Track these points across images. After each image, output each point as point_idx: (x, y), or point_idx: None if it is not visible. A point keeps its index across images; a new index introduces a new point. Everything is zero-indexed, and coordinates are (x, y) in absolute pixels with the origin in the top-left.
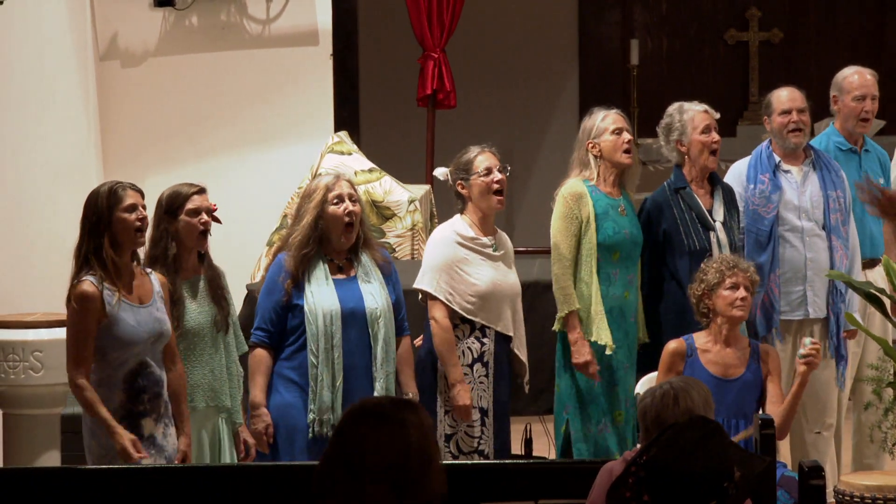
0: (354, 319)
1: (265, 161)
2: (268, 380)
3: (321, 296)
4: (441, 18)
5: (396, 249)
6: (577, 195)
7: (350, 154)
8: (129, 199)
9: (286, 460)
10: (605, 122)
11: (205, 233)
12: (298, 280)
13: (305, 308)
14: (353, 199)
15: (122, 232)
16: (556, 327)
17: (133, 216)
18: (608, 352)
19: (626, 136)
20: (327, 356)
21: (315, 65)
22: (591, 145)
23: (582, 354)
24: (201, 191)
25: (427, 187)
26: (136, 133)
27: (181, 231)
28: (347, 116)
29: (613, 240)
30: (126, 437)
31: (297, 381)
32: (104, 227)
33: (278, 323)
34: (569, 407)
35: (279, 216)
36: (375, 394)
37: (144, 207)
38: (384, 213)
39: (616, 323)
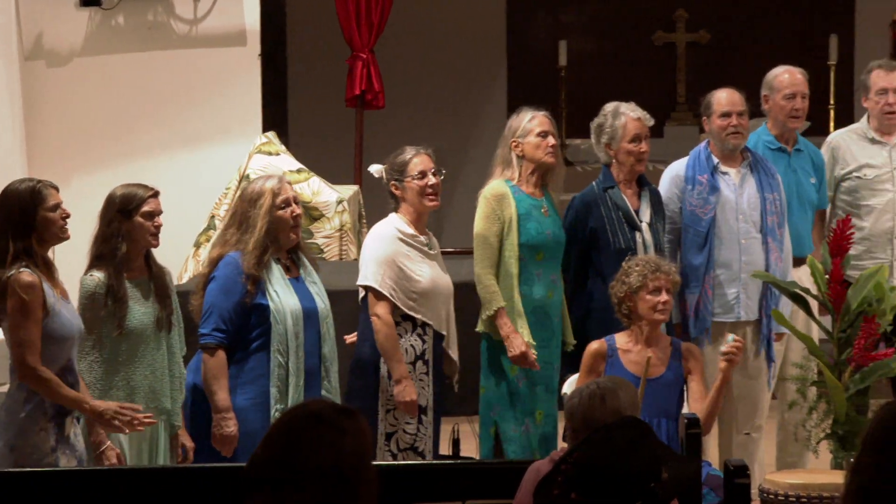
0: (309, 319)
1: (193, 161)
2: (227, 380)
3: (285, 295)
4: (370, 19)
5: (325, 250)
6: (499, 196)
7: (278, 154)
8: (53, 198)
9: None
10: (532, 124)
11: (156, 235)
12: (258, 280)
13: (272, 308)
14: (297, 200)
15: (48, 231)
16: (479, 328)
17: (58, 215)
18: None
19: (551, 139)
20: (295, 355)
21: (243, 65)
22: (514, 144)
23: (517, 346)
24: (156, 194)
25: (355, 188)
26: (62, 133)
27: (134, 231)
28: (276, 117)
29: (537, 240)
30: (109, 404)
31: (253, 384)
32: (30, 227)
33: (237, 323)
34: (497, 408)
35: (207, 217)
36: (324, 393)
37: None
38: (312, 213)
39: (540, 322)
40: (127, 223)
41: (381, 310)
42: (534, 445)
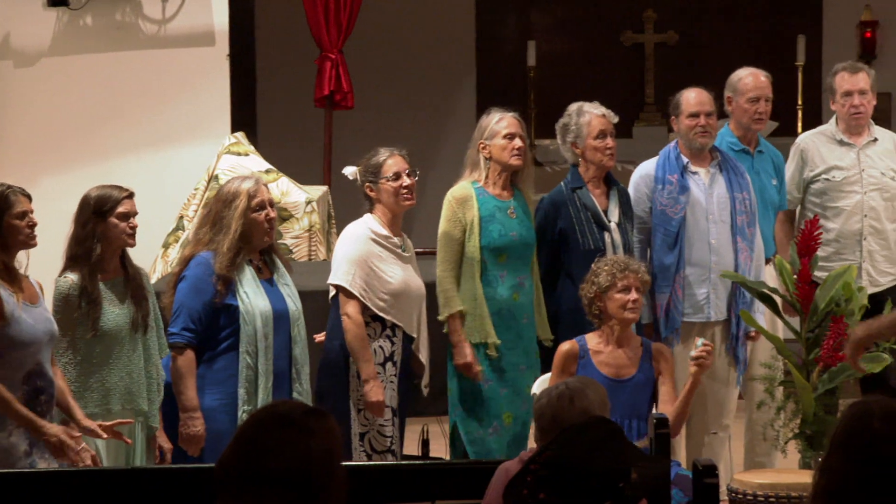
0: (280, 321)
1: (162, 162)
2: (195, 381)
3: (255, 297)
4: (338, 19)
5: (294, 251)
6: (461, 199)
7: (247, 155)
8: (21, 205)
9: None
10: (499, 126)
11: (132, 236)
12: (230, 281)
13: (241, 309)
14: (272, 203)
15: (13, 237)
16: (446, 329)
17: (24, 222)
18: (492, 352)
19: (518, 142)
20: (264, 357)
21: (212, 65)
22: (482, 146)
23: (463, 356)
24: (131, 195)
25: (325, 188)
26: (31, 134)
27: (109, 232)
28: (244, 117)
29: (499, 242)
30: (57, 428)
31: (221, 384)
32: None
33: (206, 323)
34: (458, 409)
35: (175, 217)
36: (295, 395)
37: (32, 212)
38: (281, 214)
39: (505, 324)
40: (102, 224)
41: (351, 309)
42: (502, 448)
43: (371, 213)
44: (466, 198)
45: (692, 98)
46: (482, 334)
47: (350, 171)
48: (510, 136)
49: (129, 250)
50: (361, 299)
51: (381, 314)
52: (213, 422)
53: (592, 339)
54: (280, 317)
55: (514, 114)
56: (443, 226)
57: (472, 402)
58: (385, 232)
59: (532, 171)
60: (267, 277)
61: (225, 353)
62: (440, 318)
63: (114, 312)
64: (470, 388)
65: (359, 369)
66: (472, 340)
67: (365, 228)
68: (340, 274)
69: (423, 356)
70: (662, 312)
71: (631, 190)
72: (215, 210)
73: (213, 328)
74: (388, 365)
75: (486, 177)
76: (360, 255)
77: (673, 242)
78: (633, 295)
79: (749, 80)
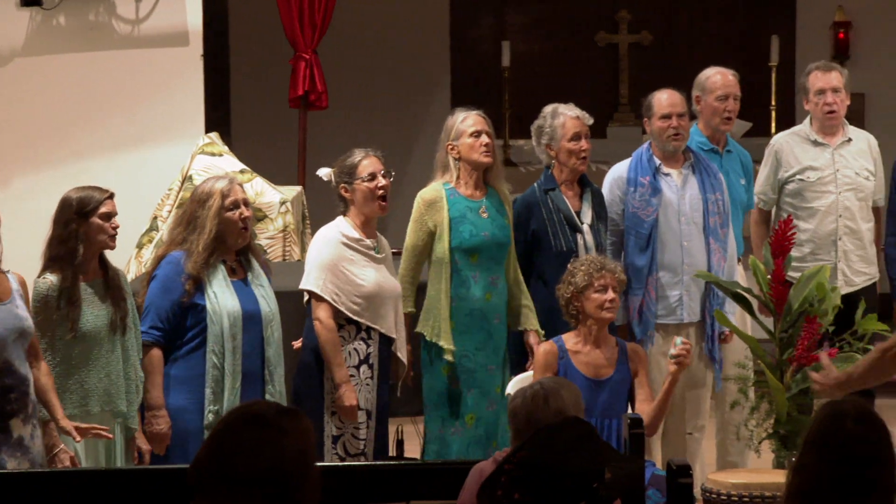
0: (251, 322)
1: (135, 162)
2: (163, 380)
3: (223, 296)
4: (313, 19)
5: (268, 251)
6: (429, 201)
7: (221, 155)
8: None
9: (178, 463)
10: (465, 125)
11: (113, 237)
12: (200, 280)
13: (208, 308)
14: (246, 203)
15: None
16: (417, 328)
17: None
18: (448, 357)
19: (485, 138)
20: (231, 357)
21: (186, 66)
22: (450, 147)
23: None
24: (112, 196)
25: (299, 189)
26: (3, 134)
27: (92, 233)
28: (218, 117)
29: (471, 243)
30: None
31: (190, 383)
32: None
33: (174, 322)
34: (427, 407)
35: (149, 218)
36: (267, 396)
37: None
38: (256, 214)
39: (477, 325)
40: (85, 225)
41: (322, 314)
42: (461, 450)
43: (345, 214)
44: (435, 200)
45: (664, 100)
46: (437, 335)
47: (324, 172)
48: (476, 134)
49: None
50: (333, 304)
51: (354, 317)
52: (181, 421)
53: (570, 340)
54: (250, 317)
55: (478, 111)
56: (410, 226)
57: (437, 401)
58: (356, 235)
59: (502, 167)
60: (241, 278)
61: (193, 353)
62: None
63: (93, 313)
64: (437, 388)
65: (331, 374)
66: (428, 338)
67: (336, 232)
68: (311, 279)
69: (403, 356)
70: (636, 314)
71: (604, 192)
72: (190, 210)
73: (182, 327)
74: (364, 368)
75: (458, 177)
76: (330, 259)
77: (645, 244)
78: (610, 294)
79: (717, 78)
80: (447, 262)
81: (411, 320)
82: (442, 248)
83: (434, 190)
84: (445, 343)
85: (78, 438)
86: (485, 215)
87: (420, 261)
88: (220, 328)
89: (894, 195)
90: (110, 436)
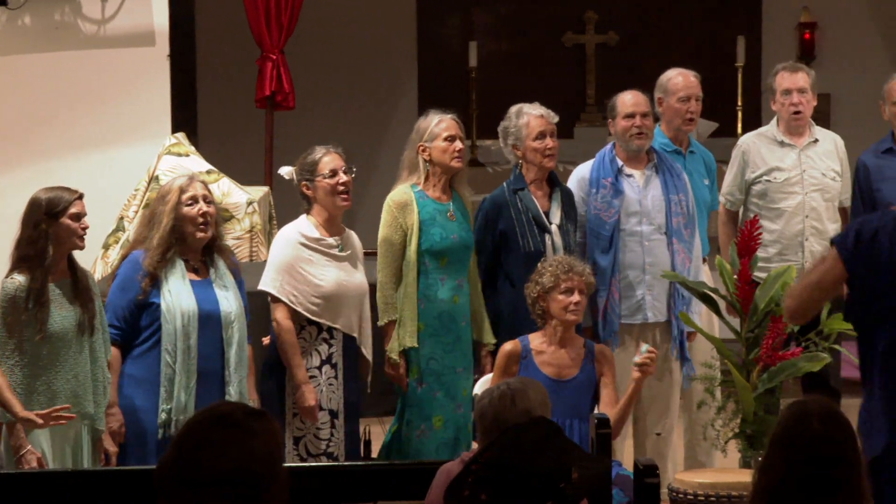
0: (210, 322)
1: (101, 163)
2: (118, 378)
3: (179, 295)
4: (279, 19)
5: (235, 252)
6: (401, 204)
7: (188, 156)
8: None
9: (135, 463)
10: (439, 128)
11: (83, 237)
12: (156, 278)
13: (162, 306)
14: (208, 199)
15: None
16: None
17: None
18: (412, 354)
19: (458, 144)
20: (184, 356)
21: (152, 65)
22: (421, 149)
23: (390, 366)
24: (81, 196)
25: (266, 189)
26: None
27: (62, 234)
28: (185, 118)
29: (441, 245)
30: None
31: (146, 383)
32: None
33: (131, 320)
34: (397, 408)
35: (115, 218)
36: (228, 398)
37: None
38: (223, 215)
39: (445, 327)
40: (55, 226)
41: (280, 315)
42: (430, 452)
43: (308, 213)
44: (406, 202)
45: (628, 100)
46: (403, 338)
47: (286, 170)
48: (450, 139)
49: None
50: (290, 305)
51: (313, 318)
52: (138, 421)
53: (535, 339)
54: (208, 317)
55: (452, 116)
56: (383, 231)
57: (404, 403)
58: (317, 234)
59: (467, 173)
60: (204, 278)
61: (149, 352)
62: (379, 324)
63: (61, 314)
64: (406, 391)
65: (291, 375)
66: (400, 343)
67: (295, 232)
68: (268, 280)
69: (368, 354)
70: (601, 315)
71: None
72: (152, 208)
73: (138, 326)
74: (326, 368)
75: (426, 179)
76: (287, 260)
77: (607, 245)
78: (576, 297)
79: (679, 80)
80: (414, 263)
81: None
82: (412, 250)
83: (404, 192)
84: (410, 342)
85: (41, 423)
86: (452, 218)
87: (400, 265)
88: (173, 327)
89: (857, 195)
90: (72, 416)
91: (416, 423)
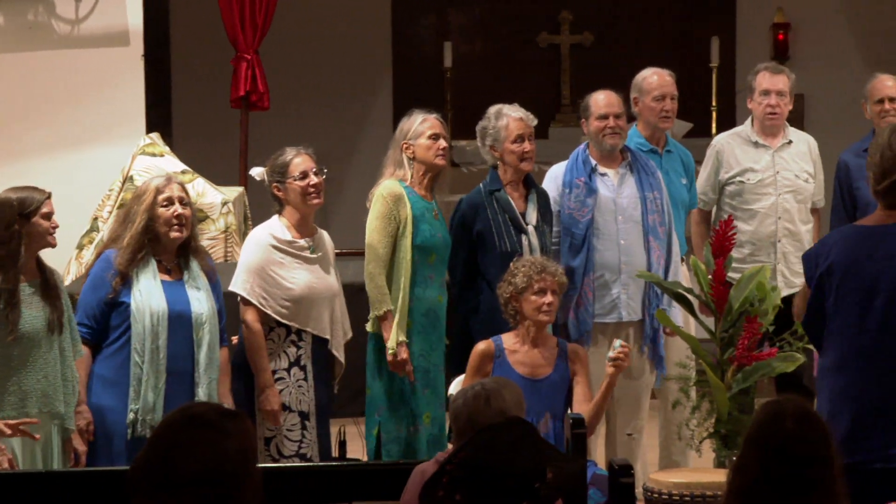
0: (180, 323)
1: (76, 163)
2: (88, 377)
3: (149, 295)
4: (254, 20)
5: (210, 252)
6: (396, 196)
7: (162, 156)
8: None
9: (104, 463)
10: (423, 126)
11: (54, 235)
12: (127, 278)
13: (132, 306)
14: (184, 201)
15: None
16: (370, 328)
17: None
18: (390, 351)
19: (442, 142)
20: (152, 356)
21: (126, 66)
22: (405, 146)
23: (400, 353)
24: (50, 195)
25: (241, 189)
26: None
27: (34, 233)
28: (159, 118)
29: (430, 242)
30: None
31: (116, 382)
32: None
33: (101, 319)
34: (381, 409)
35: (90, 219)
36: (197, 400)
37: None
38: (197, 215)
39: (431, 325)
40: (27, 226)
41: (249, 317)
42: (422, 448)
43: (280, 214)
44: (400, 195)
45: (601, 100)
46: (398, 335)
47: (257, 172)
48: (434, 137)
49: (45, 252)
50: (261, 307)
51: (283, 321)
52: (107, 420)
53: (509, 339)
54: (179, 318)
55: (436, 115)
56: (374, 223)
57: (396, 402)
58: (288, 237)
59: (448, 174)
60: (177, 279)
61: (120, 351)
62: (372, 315)
63: (31, 315)
64: (394, 388)
65: (256, 377)
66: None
67: (266, 234)
68: (239, 282)
69: (340, 355)
70: (573, 314)
71: None
72: (128, 207)
73: (109, 325)
74: (295, 370)
75: (411, 177)
76: (258, 263)
77: (580, 245)
78: (548, 298)
79: (654, 79)
80: (409, 259)
81: (392, 316)
82: (406, 245)
83: (396, 185)
84: (401, 336)
85: (9, 433)
86: (437, 218)
87: (390, 256)
88: (142, 326)
89: (837, 194)
90: (37, 437)
91: (409, 421)
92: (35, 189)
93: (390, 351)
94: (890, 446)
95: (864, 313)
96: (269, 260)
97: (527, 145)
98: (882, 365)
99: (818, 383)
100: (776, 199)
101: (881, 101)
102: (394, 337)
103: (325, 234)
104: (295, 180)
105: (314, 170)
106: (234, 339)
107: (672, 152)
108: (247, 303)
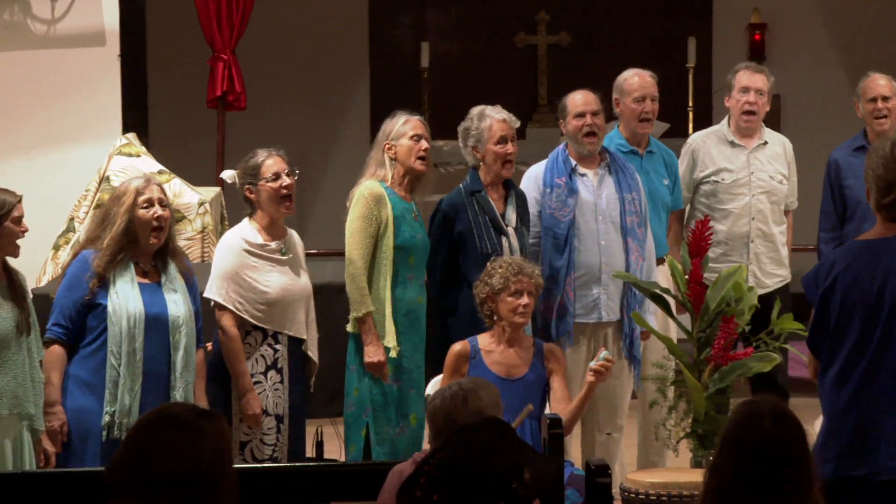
0: (157, 325)
1: (52, 163)
2: (62, 378)
3: (126, 297)
4: (231, 20)
5: (187, 253)
6: (377, 196)
7: (139, 156)
8: None
9: (78, 465)
10: (405, 127)
11: (17, 244)
12: (105, 280)
13: (109, 308)
14: (164, 203)
15: None
16: (350, 328)
17: None
18: (393, 354)
19: (424, 143)
20: (129, 359)
21: (102, 66)
22: (387, 147)
23: (376, 354)
24: (21, 199)
25: (217, 189)
26: None
27: (4, 237)
28: (136, 118)
29: (410, 243)
30: None
31: (92, 384)
32: None
33: (77, 321)
34: (368, 410)
35: (66, 219)
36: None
37: None
38: (174, 215)
39: (412, 326)
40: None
41: (226, 322)
42: (408, 448)
43: (251, 217)
44: (381, 196)
45: (578, 99)
46: (385, 337)
47: (228, 174)
48: (416, 138)
49: (22, 251)
50: (237, 312)
51: (259, 324)
52: (82, 422)
53: (484, 339)
54: (155, 320)
55: (419, 117)
56: (355, 223)
57: (382, 402)
58: (259, 240)
59: (431, 176)
60: (155, 281)
61: (96, 353)
62: (352, 316)
63: (1, 316)
64: (381, 389)
65: (235, 382)
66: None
67: (238, 239)
68: (214, 288)
69: (314, 355)
70: (554, 314)
71: None
72: (106, 208)
73: (85, 326)
74: (272, 373)
75: (392, 178)
76: (232, 268)
77: (563, 245)
78: (525, 300)
79: (634, 80)
80: (390, 260)
81: (373, 318)
82: (387, 245)
83: (376, 186)
84: (390, 342)
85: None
86: (416, 219)
87: (370, 257)
88: (119, 329)
89: (827, 192)
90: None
91: (396, 421)
92: (7, 192)
93: (392, 353)
94: (894, 457)
95: (866, 327)
96: (242, 264)
97: (509, 147)
98: (884, 378)
99: (820, 396)
100: (750, 200)
101: (874, 100)
102: (392, 338)
103: (294, 234)
104: (267, 182)
105: (286, 171)
106: (209, 345)
107: (654, 153)
108: (222, 308)
